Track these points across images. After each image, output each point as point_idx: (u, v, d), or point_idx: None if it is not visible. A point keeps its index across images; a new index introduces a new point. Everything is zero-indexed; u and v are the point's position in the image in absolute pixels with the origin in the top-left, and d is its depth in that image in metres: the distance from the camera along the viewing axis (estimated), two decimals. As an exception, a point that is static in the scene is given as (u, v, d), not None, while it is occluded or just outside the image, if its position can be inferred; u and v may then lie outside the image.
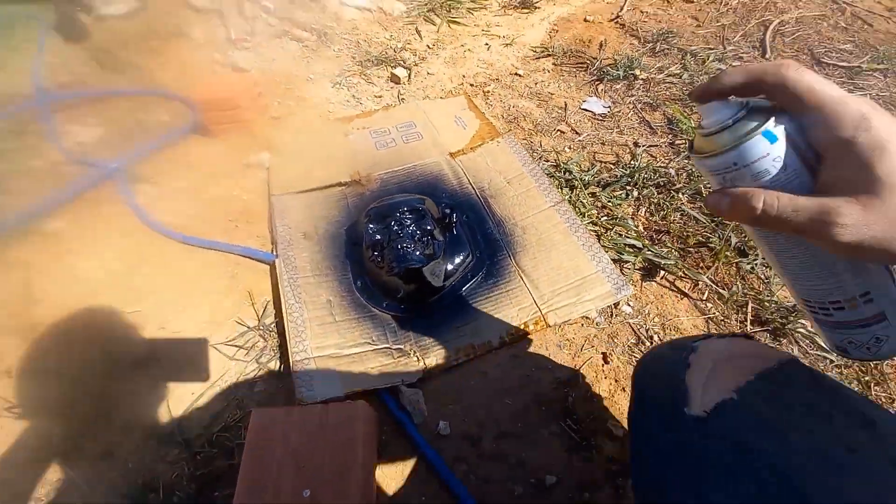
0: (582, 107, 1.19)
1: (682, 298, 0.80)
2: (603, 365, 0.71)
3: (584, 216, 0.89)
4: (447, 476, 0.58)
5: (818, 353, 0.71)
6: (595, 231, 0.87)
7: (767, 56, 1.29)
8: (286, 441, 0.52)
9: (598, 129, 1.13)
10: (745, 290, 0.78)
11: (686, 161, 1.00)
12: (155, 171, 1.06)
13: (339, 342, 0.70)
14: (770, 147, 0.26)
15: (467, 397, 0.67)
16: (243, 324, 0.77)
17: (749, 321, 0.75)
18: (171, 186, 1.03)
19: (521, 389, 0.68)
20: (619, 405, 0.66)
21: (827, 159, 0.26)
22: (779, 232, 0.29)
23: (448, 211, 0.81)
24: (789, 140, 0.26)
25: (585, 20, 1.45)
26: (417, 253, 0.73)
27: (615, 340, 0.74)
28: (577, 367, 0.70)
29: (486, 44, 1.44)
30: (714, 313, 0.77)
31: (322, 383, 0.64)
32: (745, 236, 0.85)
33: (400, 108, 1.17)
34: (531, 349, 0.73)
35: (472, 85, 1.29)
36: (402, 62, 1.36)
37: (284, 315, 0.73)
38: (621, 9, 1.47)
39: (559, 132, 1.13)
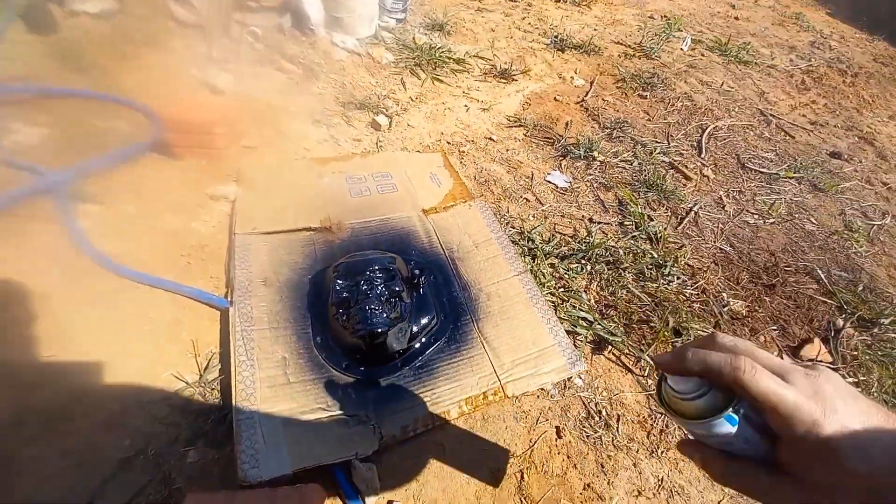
0: (546, 178, 1.28)
1: (626, 374, 0.85)
2: (556, 440, 0.73)
3: (543, 286, 0.94)
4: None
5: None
6: (552, 301, 0.92)
7: (702, 155, 1.48)
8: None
9: (559, 201, 1.22)
10: (682, 372, 0.85)
11: (632, 242, 1.10)
12: (104, 189, 0.98)
13: (291, 407, 0.66)
14: (731, 427, 0.30)
15: (424, 475, 0.66)
16: (182, 378, 0.70)
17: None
18: (120, 210, 0.95)
19: (478, 467, 0.68)
20: (571, 483, 0.68)
21: (782, 444, 0.29)
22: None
23: (417, 272, 0.82)
24: (748, 419, 0.29)
25: (555, 99, 1.60)
26: (384, 315, 0.73)
27: (568, 413, 0.77)
28: (533, 442, 0.72)
29: (466, 105, 1.53)
30: (653, 389, 0.83)
31: (269, 458, 0.60)
32: (680, 318, 0.94)
33: (377, 157, 1.20)
34: (488, 420, 0.73)
35: (448, 143, 1.35)
36: (384, 110, 1.40)
37: (233, 373, 0.68)
38: (586, 94, 1.64)
39: (525, 200, 1.20)
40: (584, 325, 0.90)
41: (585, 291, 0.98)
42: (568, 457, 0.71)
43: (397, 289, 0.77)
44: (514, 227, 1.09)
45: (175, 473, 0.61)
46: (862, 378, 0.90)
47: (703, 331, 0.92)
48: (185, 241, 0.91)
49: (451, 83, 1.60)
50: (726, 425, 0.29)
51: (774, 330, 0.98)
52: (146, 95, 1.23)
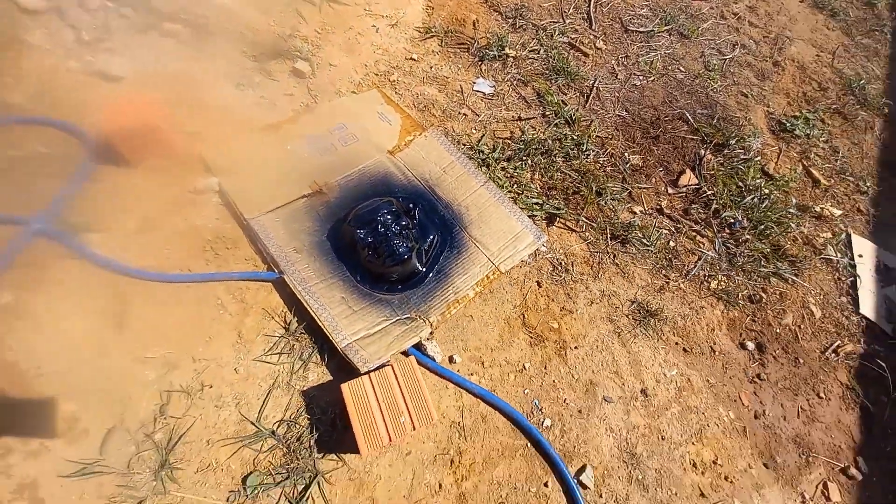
0: (474, 88, 1.45)
1: (571, 233, 1.21)
2: (538, 288, 1.09)
3: (502, 188, 1.22)
4: (468, 385, 0.92)
5: (648, 248, 1.20)
6: (512, 197, 1.21)
7: (593, 27, 1.69)
8: (374, 395, 0.78)
9: (490, 107, 1.42)
10: (604, 219, 1.22)
11: (555, 129, 1.38)
12: (89, 216, 1.03)
13: (365, 325, 0.94)
14: None
15: (464, 335, 0.99)
16: (272, 335, 0.94)
17: (609, 238, 1.20)
18: (119, 229, 1.02)
19: (496, 320, 1.03)
20: (553, 310, 1.06)
21: None
22: None
23: (411, 206, 1.05)
24: None
25: (457, -1, 1.65)
26: (405, 246, 0.98)
27: (541, 271, 1.12)
28: (524, 295, 1.08)
29: (374, 26, 1.55)
30: (591, 238, 1.20)
31: (371, 355, 0.89)
32: (599, 182, 1.29)
33: (321, 110, 1.28)
34: (494, 291, 1.07)
35: (376, 74, 1.43)
36: (298, 53, 1.40)
37: (316, 317, 0.92)
38: (484, -14, 1.69)
39: (463, 115, 1.39)
40: (537, 207, 1.21)
41: (532, 182, 1.27)
42: (547, 296, 1.09)
43: (404, 223, 1.00)
44: (464, 144, 1.30)
45: (301, 387, 0.89)
46: (711, 192, 1.33)
47: (616, 188, 1.27)
48: (198, 237, 1.03)
49: (349, 2, 1.58)
50: None
51: (661, 171, 1.36)
52: (44, 108, 1.15)
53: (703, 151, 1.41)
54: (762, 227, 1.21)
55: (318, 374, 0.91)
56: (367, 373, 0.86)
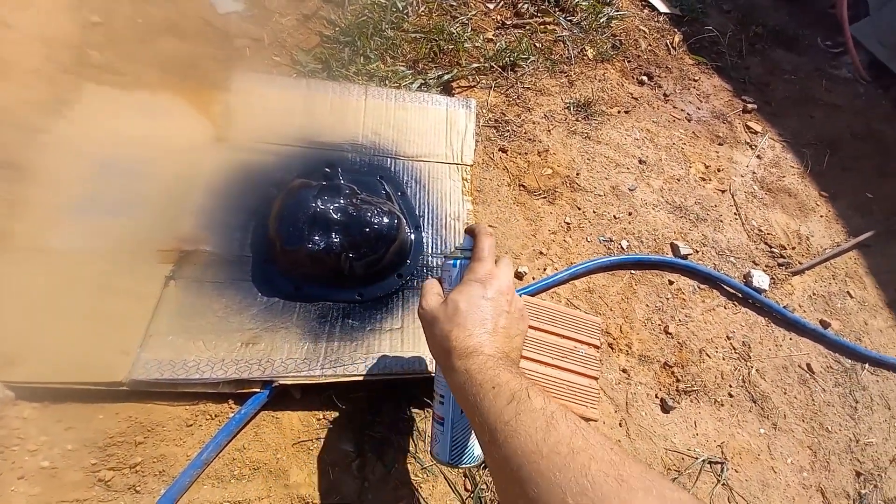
0: (220, 11, 1.00)
1: (472, 90, 1.04)
2: (505, 154, 0.94)
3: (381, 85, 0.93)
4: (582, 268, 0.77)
5: (532, 60, 1.14)
6: (395, 87, 0.94)
7: None
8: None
9: (259, 23, 1.01)
10: (480, 60, 1.09)
11: (352, 5, 1.09)
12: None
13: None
14: (452, 270, 0.49)
15: (502, 244, 0.81)
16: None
17: (502, 71, 1.08)
18: None
19: (507, 208, 0.86)
20: (534, 161, 0.94)
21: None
22: None
23: (326, 169, 0.70)
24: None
25: None
26: (382, 217, 0.66)
27: (490, 138, 0.96)
28: (504, 166, 0.91)
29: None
30: (490, 83, 1.06)
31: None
32: (447, 29, 1.11)
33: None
34: (481, 188, 0.87)
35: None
36: None
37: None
38: None
39: (242, 48, 0.96)
40: (424, 87, 0.98)
41: (392, 65, 1.01)
42: (519, 153, 0.95)
43: (347, 191, 0.67)
44: (282, 72, 0.91)
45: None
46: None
47: (458, 28, 1.12)
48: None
49: None
50: (450, 266, 0.49)
51: (469, -9, 1.25)
52: None
53: (481, -45, 1.33)
54: (574, -13, 1.27)
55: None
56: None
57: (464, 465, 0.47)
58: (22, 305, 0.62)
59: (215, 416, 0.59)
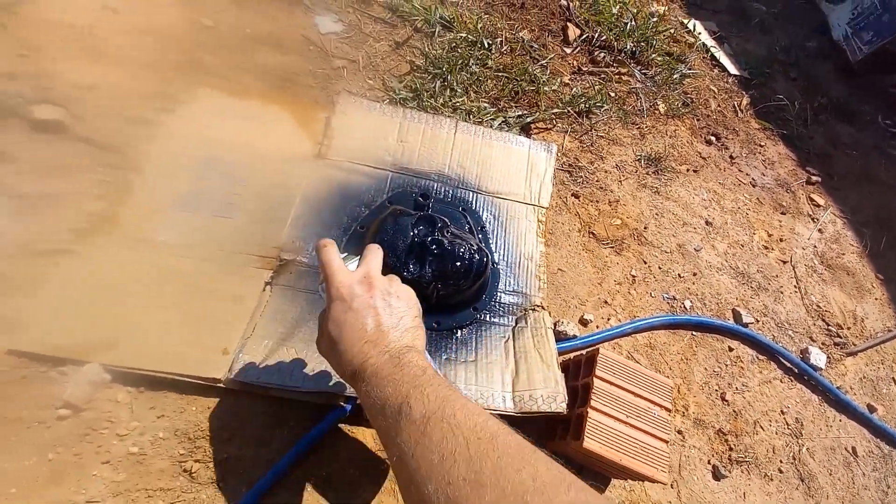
0: (321, 32, 1.06)
1: (549, 132, 1.08)
2: (578, 200, 0.97)
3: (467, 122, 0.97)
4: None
5: (606, 109, 1.18)
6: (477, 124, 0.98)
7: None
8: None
9: (356, 45, 1.07)
10: (558, 104, 1.13)
11: (441, 40, 1.14)
12: None
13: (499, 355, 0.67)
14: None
15: (569, 290, 0.83)
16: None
17: (577, 117, 1.12)
18: None
19: (577, 254, 0.88)
20: (605, 210, 0.97)
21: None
22: None
23: (421, 198, 0.74)
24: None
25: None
26: (468, 249, 0.69)
27: (564, 183, 0.99)
28: (575, 212, 0.94)
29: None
30: (566, 128, 1.10)
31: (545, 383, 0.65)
32: (526, 71, 1.15)
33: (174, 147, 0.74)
34: (553, 231, 0.90)
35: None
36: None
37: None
38: None
39: (339, 68, 1.01)
40: (505, 125, 1.02)
41: (475, 101, 1.05)
42: (590, 200, 0.98)
43: (440, 224, 0.70)
44: (379, 98, 0.96)
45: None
46: (596, 33, 1.35)
47: (538, 70, 1.16)
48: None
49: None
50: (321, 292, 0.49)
51: (548, 36, 1.30)
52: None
53: (564, 1, 1.39)
54: (651, 42, 1.31)
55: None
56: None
57: None
58: (125, 292, 0.65)
59: (298, 422, 0.62)
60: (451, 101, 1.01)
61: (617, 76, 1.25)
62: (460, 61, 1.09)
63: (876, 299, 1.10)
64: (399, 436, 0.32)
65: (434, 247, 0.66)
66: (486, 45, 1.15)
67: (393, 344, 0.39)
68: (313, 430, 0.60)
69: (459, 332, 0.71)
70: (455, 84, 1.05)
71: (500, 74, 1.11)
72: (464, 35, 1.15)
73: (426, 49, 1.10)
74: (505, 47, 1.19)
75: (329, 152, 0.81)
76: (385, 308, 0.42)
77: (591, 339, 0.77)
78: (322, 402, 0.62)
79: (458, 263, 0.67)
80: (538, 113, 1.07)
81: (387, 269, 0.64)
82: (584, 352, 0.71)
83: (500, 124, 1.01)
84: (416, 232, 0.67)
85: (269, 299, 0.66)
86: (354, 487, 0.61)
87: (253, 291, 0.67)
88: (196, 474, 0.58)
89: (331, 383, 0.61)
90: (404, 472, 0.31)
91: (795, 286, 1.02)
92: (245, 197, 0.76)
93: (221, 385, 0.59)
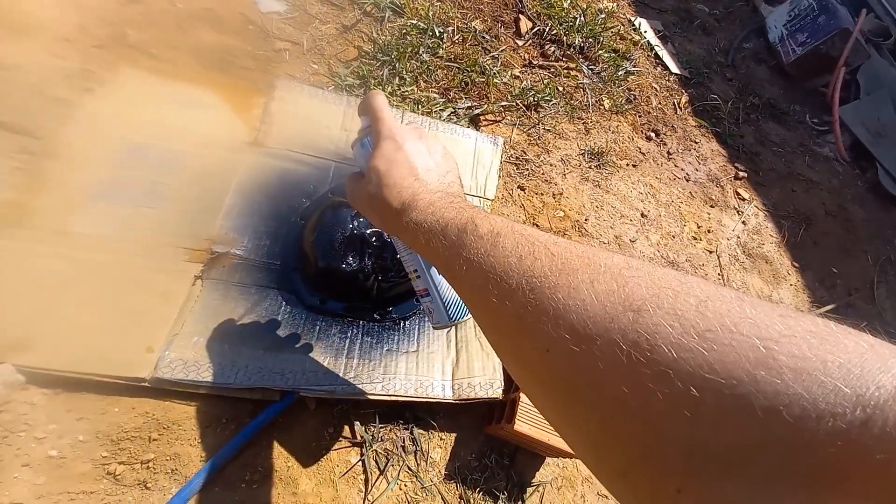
0: (263, 11, 1.01)
1: (498, 125, 1.09)
2: (524, 192, 0.99)
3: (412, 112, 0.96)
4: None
5: (553, 103, 1.20)
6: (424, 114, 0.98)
7: None
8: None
9: (303, 28, 1.03)
10: (507, 96, 1.14)
11: (391, 25, 1.12)
12: None
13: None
14: (362, 151, 0.44)
15: None
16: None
17: (525, 110, 1.14)
18: None
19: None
20: (549, 203, 1.00)
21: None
22: None
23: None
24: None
25: None
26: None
27: (510, 175, 1.01)
28: (521, 205, 0.96)
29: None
30: (515, 120, 1.11)
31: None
32: (477, 62, 1.15)
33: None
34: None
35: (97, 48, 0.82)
36: None
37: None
38: None
39: (281, 51, 0.97)
40: (454, 117, 1.02)
41: (424, 91, 1.04)
42: (535, 193, 1.00)
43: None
44: (324, 84, 0.93)
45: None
46: (546, 27, 1.37)
47: (489, 62, 1.16)
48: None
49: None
50: (360, 148, 0.45)
51: (500, 27, 1.30)
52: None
53: (517, -8, 1.39)
54: (599, 39, 1.35)
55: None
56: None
57: (466, 318, 0.46)
58: (39, 289, 0.61)
59: (232, 419, 0.61)
60: (399, 89, 1.00)
61: (566, 71, 1.28)
62: (410, 49, 1.07)
63: (791, 285, 1.21)
64: (464, 249, 0.31)
65: (374, 239, 0.66)
66: (438, 34, 1.14)
67: (444, 188, 0.39)
68: (249, 425, 0.60)
69: (403, 323, 0.72)
70: (404, 72, 1.03)
71: (450, 64, 1.11)
72: (415, 22, 1.14)
73: (375, 35, 1.07)
74: (457, 37, 1.18)
75: (267, 139, 0.78)
76: (439, 160, 0.42)
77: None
78: (257, 398, 0.61)
79: (398, 255, 0.67)
80: (487, 105, 1.08)
81: (321, 260, 0.63)
82: (521, 340, 0.74)
83: (449, 115, 1.01)
84: (355, 224, 0.66)
85: (200, 294, 0.64)
86: (292, 480, 0.61)
87: (181, 286, 0.64)
88: (121, 476, 0.56)
89: (269, 381, 0.60)
90: (479, 277, 0.29)
91: (719, 274, 1.10)
92: (173, 186, 0.72)
93: (146, 384, 0.57)
